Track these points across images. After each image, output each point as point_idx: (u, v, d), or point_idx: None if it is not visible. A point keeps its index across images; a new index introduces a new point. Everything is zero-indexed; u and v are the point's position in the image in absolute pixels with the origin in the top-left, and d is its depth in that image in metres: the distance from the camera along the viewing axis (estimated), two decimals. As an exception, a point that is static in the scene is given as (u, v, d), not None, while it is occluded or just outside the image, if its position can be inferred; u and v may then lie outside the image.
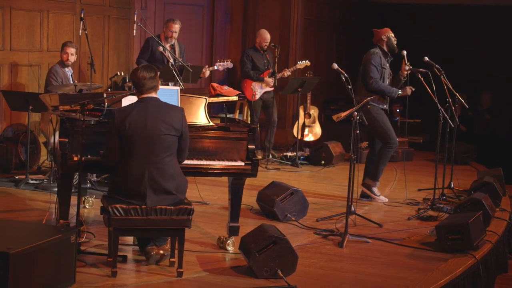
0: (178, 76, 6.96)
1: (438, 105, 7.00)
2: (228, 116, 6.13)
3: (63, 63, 7.73)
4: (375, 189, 7.36)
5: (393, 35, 7.26)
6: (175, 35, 8.29)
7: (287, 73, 9.45)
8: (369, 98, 6.41)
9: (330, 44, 12.51)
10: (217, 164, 5.22)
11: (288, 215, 6.39)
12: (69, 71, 7.81)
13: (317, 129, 10.26)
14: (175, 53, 8.17)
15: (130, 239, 5.38)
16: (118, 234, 4.67)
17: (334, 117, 6.18)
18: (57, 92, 6.64)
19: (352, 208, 6.17)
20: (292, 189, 6.50)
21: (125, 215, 4.60)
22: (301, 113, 10.05)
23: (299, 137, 9.68)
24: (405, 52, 7.10)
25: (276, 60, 9.33)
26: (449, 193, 7.62)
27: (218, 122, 5.73)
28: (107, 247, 4.99)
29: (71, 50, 7.71)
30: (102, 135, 4.87)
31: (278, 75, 9.36)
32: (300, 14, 11.15)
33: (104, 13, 9.27)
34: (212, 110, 9.36)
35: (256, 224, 5.35)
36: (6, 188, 7.17)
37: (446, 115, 7.11)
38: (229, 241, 5.41)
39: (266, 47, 9.41)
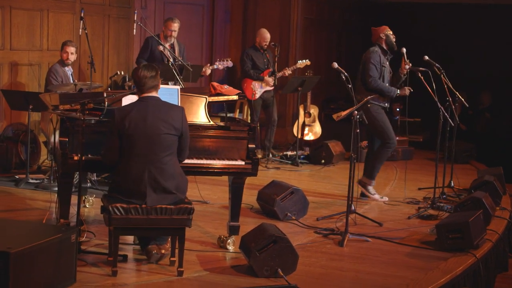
0: (178, 75, 6.95)
1: (438, 104, 7.00)
2: (228, 115, 6.13)
3: (63, 62, 7.73)
4: (370, 188, 7.36)
5: (391, 33, 7.25)
6: (174, 34, 8.29)
7: (287, 72, 9.45)
8: (369, 97, 6.41)
9: (330, 43, 12.51)
10: (217, 163, 5.22)
11: (289, 214, 6.39)
12: (69, 70, 7.81)
13: (317, 128, 10.26)
14: (174, 52, 8.17)
15: (130, 239, 5.39)
16: (118, 233, 4.67)
17: (335, 116, 6.17)
18: (57, 92, 6.64)
19: (352, 207, 6.17)
20: (292, 188, 6.50)
21: (125, 214, 4.60)
22: (301, 112, 10.05)
23: (299, 136, 9.68)
24: (404, 49, 7.09)
25: (276, 59, 9.33)
26: (449, 192, 7.63)
27: (218, 121, 5.73)
28: (107, 246, 4.99)
29: (71, 49, 7.70)
30: (103, 135, 4.87)
31: (279, 74, 9.36)
32: (300, 13, 11.15)
33: (104, 12, 9.27)
34: (212, 109, 9.36)
35: (256, 223, 5.35)
36: (6, 187, 7.17)
37: (446, 114, 7.11)
38: (229, 240, 5.41)
39: (266, 46, 9.41)
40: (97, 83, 7.78)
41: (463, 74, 11.49)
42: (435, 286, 4.85)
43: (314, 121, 10.25)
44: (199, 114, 5.36)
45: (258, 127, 9.79)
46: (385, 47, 7.23)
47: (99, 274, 4.69)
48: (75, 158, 4.85)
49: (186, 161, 5.03)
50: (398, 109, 11.28)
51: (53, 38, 8.54)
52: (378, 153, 7.27)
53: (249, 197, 6.70)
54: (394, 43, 7.22)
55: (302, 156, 9.52)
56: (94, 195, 6.63)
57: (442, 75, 7.20)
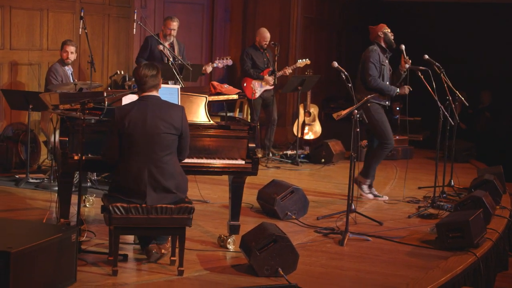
0: (178, 74, 6.95)
1: (438, 103, 7.00)
2: (228, 114, 6.13)
3: (63, 62, 7.73)
4: (364, 187, 7.36)
5: (389, 30, 7.25)
6: (174, 32, 8.28)
7: (288, 71, 9.45)
8: (369, 96, 6.41)
9: (330, 43, 12.51)
10: (217, 162, 5.22)
11: (289, 213, 6.39)
12: (69, 69, 7.81)
13: (317, 127, 10.26)
14: (174, 52, 8.17)
15: (131, 238, 5.39)
16: (118, 233, 4.67)
17: (335, 115, 6.17)
18: (57, 91, 6.63)
19: (353, 206, 6.17)
20: (293, 188, 6.50)
21: (125, 214, 4.60)
22: (301, 111, 10.05)
23: (299, 135, 9.68)
24: (403, 46, 7.08)
25: (276, 58, 9.33)
26: (450, 191, 7.62)
27: (218, 120, 5.73)
28: (107, 246, 4.98)
29: (71, 49, 7.70)
30: (103, 134, 4.87)
31: (279, 73, 9.36)
32: (300, 12, 11.14)
33: (104, 12, 9.27)
34: (212, 108, 9.36)
35: (256, 223, 5.35)
36: (6, 187, 7.17)
37: (446, 113, 7.11)
38: (229, 240, 5.41)
39: (266, 45, 9.41)
40: (97, 83, 7.78)
41: (463, 73, 11.49)
42: (436, 285, 4.84)
43: (314, 120, 10.25)
44: (199, 114, 5.36)
45: (258, 126, 9.79)
46: (383, 45, 7.23)
47: (99, 273, 4.69)
48: (75, 157, 4.85)
49: (186, 160, 5.03)
50: (398, 108, 11.27)
51: (53, 37, 8.54)
52: (375, 153, 7.27)
53: (249, 197, 6.70)
54: (393, 40, 7.22)
55: (302, 155, 9.52)
56: (94, 195, 6.64)
57: (442, 74, 7.20)
